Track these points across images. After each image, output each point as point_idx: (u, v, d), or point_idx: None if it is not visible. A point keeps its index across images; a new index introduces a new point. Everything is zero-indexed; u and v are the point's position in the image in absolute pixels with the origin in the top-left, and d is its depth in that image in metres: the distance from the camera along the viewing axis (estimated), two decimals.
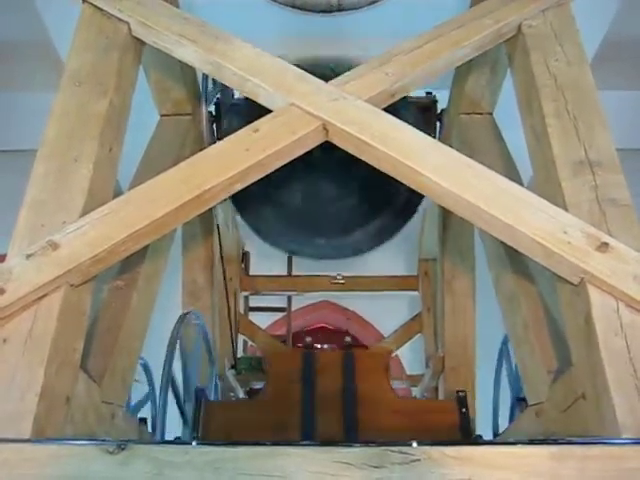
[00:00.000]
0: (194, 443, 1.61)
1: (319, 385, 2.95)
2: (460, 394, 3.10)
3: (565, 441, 1.66)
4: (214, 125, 3.69)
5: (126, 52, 2.52)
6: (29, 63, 4.75)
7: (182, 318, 2.81)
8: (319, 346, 3.97)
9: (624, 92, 4.97)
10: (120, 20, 2.54)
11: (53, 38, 4.17)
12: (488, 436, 3.10)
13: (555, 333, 2.32)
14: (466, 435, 2.88)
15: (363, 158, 2.24)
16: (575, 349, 2.02)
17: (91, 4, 2.57)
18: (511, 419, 2.94)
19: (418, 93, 3.69)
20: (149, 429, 2.70)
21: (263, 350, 3.07)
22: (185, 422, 2.90)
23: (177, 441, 2.54)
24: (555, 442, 1.63)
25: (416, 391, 4.95)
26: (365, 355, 3.04)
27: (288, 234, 3.87)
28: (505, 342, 3.10)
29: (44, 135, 2.25)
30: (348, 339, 3.01)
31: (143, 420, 2.68)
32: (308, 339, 3.06)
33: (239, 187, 2.18)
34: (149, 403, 2.97)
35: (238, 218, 4.73)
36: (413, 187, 2.19)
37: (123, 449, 1.55)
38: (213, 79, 3.35)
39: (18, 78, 4.94)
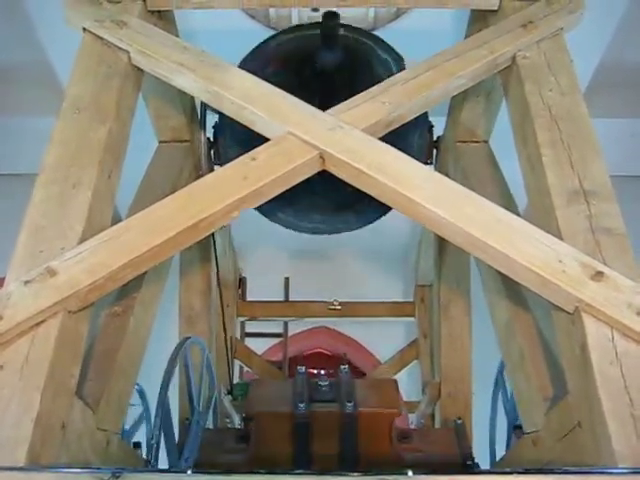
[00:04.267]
0: (189, 472, 1.60)
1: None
2: (458, 421, 3.08)
3: (561, 470, 1.66)
4: (212, 151, 3.71)
5: (126, 80, 2.55)
6: (27, 87, 4.78)
7: (182, 343, 2.80)
8: (315, 372, 3.91)
9: (617, 120, 5.02)
10: (120, 49, 2.57)
11: (54, 63, 4.22)
12: (485, 463, 3.09)
13: (551, 361, 2.32)
14: (465, 465, 2.84)
15: (359, 187, 2.26)
16: (571, 377, 2.02)
17: (92, 33, 2.61)
18: (508, 447, 2.93)
19: None
20: (144, 454, 2.68)
21: (247, 408, 2.73)
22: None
23: (171, 470, 2.52)
24: (551, 472, 1.63)
25: (413, 418, 4.93)
26: (368, 420, 2.73)
27: (287, 210, 3.89)
28: (501, 370, 3.09)
29: (43, 161, 2.26)
30: (345, 367, 2.87)
31: (137, 445, 2.66)
32: (301, 368, 2.84)
33: (237, 215, 2.19)
34: (143, 428, 2.95)
35: (235, 243, 4.75)
36: (409, 216, 2.21)
37: (118, 477, 1.54)
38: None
39: (16, 102, 4.98)
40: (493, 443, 3.20)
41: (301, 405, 2.54)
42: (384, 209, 3.63)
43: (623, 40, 4.28)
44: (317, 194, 3.57)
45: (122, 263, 2.01)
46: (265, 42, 3.52)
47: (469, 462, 2.75)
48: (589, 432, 1.83)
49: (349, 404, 2.55)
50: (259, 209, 3.89)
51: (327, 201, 3.78)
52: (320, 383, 2.71)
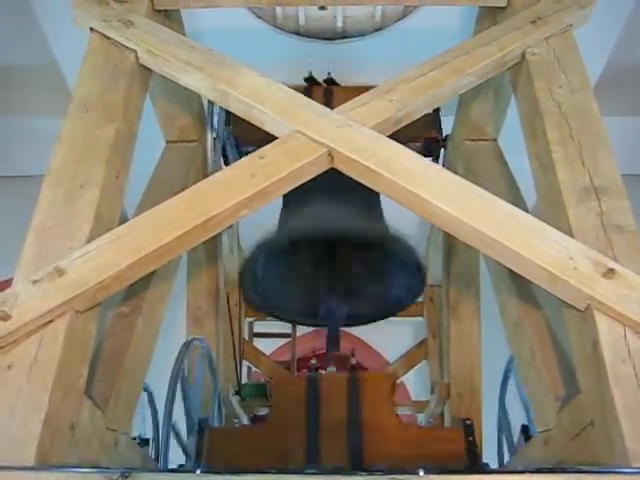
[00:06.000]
0: (198, 471, 1.59)
1: (323, 411, 2.91)
2: (467, 422, 3.07)
3: (574, 470, 1.63)
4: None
5: (133, 80, 2.55)
6: (34, 88, 4.79)
7: (187, 344, 2.80)
8: (324, 371, 3.91)
9: (628, 118, 5.00)
10: (127, 48, 2.57)
11: (61, 64, 4.22)
12: (494, 463, 3.07)
13: (562, 359, 2.30)
14: (473, 463, 2.84)
15: (368, 185, 2.25)
16: (583, 376, 2.00)
17: (99, 32, 2.61)
18: (517, 446, 2.91)
19: None
20: (152, 454, 2.68)
21: (268, 375, 3.03)
22: (186, 454, 2.87)
23: (181, 469, 2.52)
24: (564, 471, 1.61)
25: (421, 418, 4.91)
26: (370, 379, 2.98)
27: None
28: (508, 369, 3.08)
29: (51, 161, 2.26)
30: (353, 361, 2.97)
31: (145, 441, 2.65)
32: (313, 362, 3.01)
33: (245, 213, 2.19)
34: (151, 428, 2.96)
35: (243, 243, 4.74)
36: (419, 214, 2.20)
37: (127, 477, 1.53)
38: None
39: (23, 103, 4.99)
40: (501, 443, 3.18)
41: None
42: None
43: (631, 38, 4.25)
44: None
45: (130, 262, 2.01)
46: None
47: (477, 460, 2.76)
48: (602, 431, 1.81)
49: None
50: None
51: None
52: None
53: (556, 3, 2.65)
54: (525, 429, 2.76)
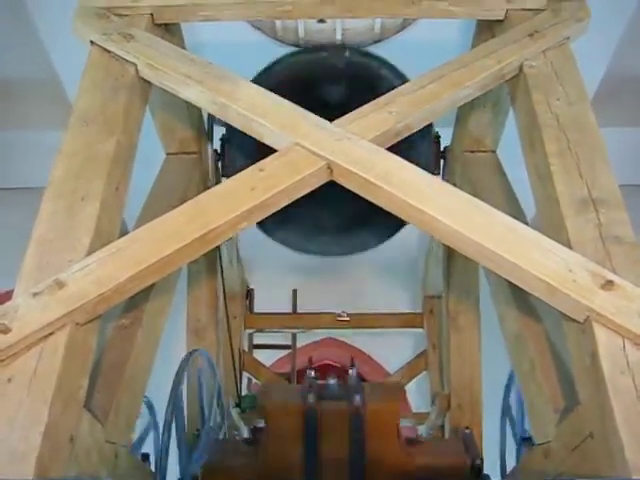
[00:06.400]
0: None
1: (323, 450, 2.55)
2: (467, 432, 3.05)
3: None
4: (219, 163, 3.72)
5: (133, 93, 2.56)
6: (35, 102, 4.81)
7: (188, 356, 2.79)
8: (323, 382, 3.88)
9: (627, 128, 5.02)
10: (127, 61, 2.59)
11: (61, 77, 4.24)
12: (496, 475, 3.06)
13: (562, 371, 2.30)
14: (475, 475, 2.81)
15: (368, 197, 2.26)
16: (582, 387, 2.00)
17: (99, 46, 2.63)
18: (518, 458, 2.90)
19: None
20: (152, 467, 2.66)
21: (262, 401, 2.67)
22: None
23: None
24: None
25: (422, 429, 4.90)
26: (375, 414, 2.66)
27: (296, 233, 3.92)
28: (509, 381, 3.07)
29: (51, 174, 2.27)
30: (352, 371, 2.86)
31: (146, 456, 2.64)
32: (311, 373, 2.86)
33: (245, 226, 2.19)
34: (151, 441, 2.94)
35: (242, 254, 4.74)
36: (418, 226, 2.20)
37: None
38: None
39: (23, 116, 5.00)
40: (504, 454, 3.17)
41: (310, 396, 2.54)
42: (397, 224, 3.61)
43: (629, 49, 4.27)
44: (324, 212, 3.57)
45: (130, 275, 2.01)
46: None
47: (478, 465, 2.71)
48: (601, 443, 1.81)
49: (357, 396, 2.55)
50: (263, 229, 3.93)
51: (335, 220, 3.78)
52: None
53: (553, 16, 2.67)
54: (528, 440, 2.75)
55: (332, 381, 2.72)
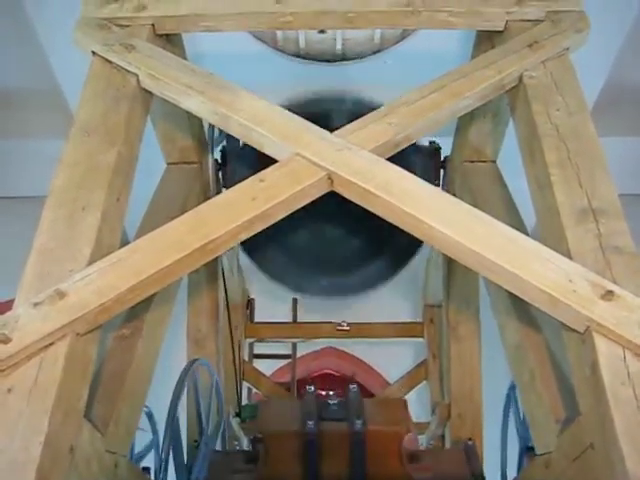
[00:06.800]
0: None
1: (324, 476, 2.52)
2: (469, 443, 3.04)
3: None
4: (220, 173, 3.73)
5: (135, 103, 2.57)
6: (36, 111, 4.83)
7: (189, 366, 2.79)
8: (324, 393, 3.87)
9: (627, 138, 5.03)
10: (129, 72, 2.60)
11: (63, 87, 4.26)
12: None
13: (562, 382, 2.30)
14: None
15: (368, 208, 2.26)
16: (582, 398, 2.00)
17: (101, 56, 2.64)
18: (519, 468, 2.90)
19: (421, 141, 3.74)
20: (152, 477, 2.65)
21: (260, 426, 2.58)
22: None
23: None
24: None
25: (422, 439, 4.89)
26: (377, 438, 2.62)
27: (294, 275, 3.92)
28: (510, 391, 3.07)
29: (52, 183, 2.28)
30: (353, 386, 2.82)
31: (146, 470, 2.64)
32: (310, 388, 2.80)
33: (245, 236, 2.20)
34: (152, 452, 2.93)
35: (243, 264, 4.74)
36: (418, 236, 2.21)
37: None
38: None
39: (25, 126, 5.02)
40: (504, 465, 3.16)
41: (310, 423, 2.51)
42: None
43: (628, 60, 4.29)
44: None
45: (130, 285, 2.01)
46: None
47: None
48: (602, 453, 1.81)
49: (358, 421, 2.52)
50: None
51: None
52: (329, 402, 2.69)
53: (552, 27, 2.67)
54: (531, 450, 2.74)
55: (333, 401, 2.68)
